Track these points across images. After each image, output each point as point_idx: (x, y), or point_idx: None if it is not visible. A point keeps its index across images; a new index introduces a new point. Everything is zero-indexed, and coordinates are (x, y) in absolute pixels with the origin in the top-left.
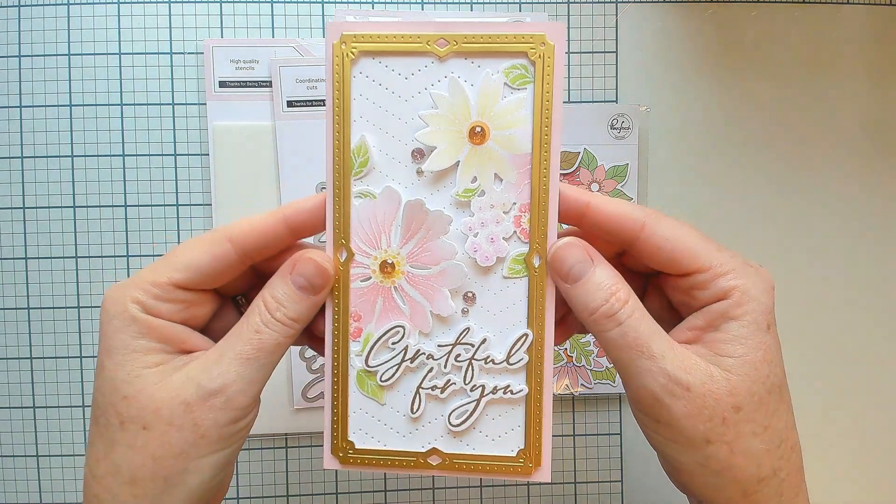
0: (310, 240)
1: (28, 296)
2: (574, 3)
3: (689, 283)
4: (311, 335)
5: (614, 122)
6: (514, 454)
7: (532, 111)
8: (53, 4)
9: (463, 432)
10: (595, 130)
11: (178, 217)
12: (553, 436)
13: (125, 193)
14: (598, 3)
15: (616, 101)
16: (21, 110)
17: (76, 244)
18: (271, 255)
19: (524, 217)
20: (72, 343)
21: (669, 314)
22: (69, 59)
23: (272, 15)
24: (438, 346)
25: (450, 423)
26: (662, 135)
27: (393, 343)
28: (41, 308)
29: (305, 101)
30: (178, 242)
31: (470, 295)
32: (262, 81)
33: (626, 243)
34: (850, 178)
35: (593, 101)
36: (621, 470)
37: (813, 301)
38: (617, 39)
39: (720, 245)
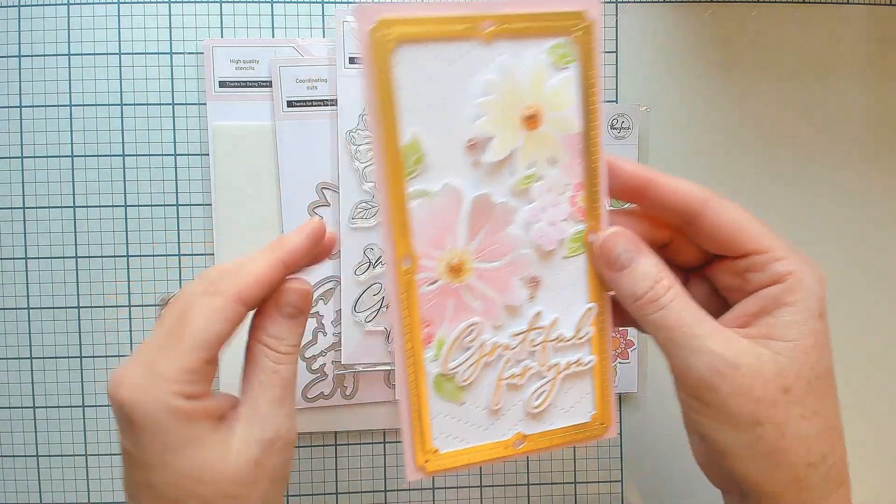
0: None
1: (28, 296)
2: None
3: (745, 264)
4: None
5: (614, 122)
6: (587, 419)
7: (578, 89)
8: (53, 4)
9: (542, 412)
10: None
11: (178, 217)
12: None
13: (125, 193)
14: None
15: (616, 101)
16: (21, 110)
17: (76, 244)
18: None
19: (578, 196)
20: (72, 343)
21: (713, 306)
22: (69, 59)
23: (272, 15)
24: (513, 335)
25: (530, 406)
26: (662, 135)
27: (468, 342)
28: (41, 308)
29: (305, 101)
30: (178, 242)
31: (535, 280)
32: (262, 81)
33: (687, 220)
34: (851, 178)
35: None
36: (621, 470)
37: None
38: (617, 39)
39: (776, 232)
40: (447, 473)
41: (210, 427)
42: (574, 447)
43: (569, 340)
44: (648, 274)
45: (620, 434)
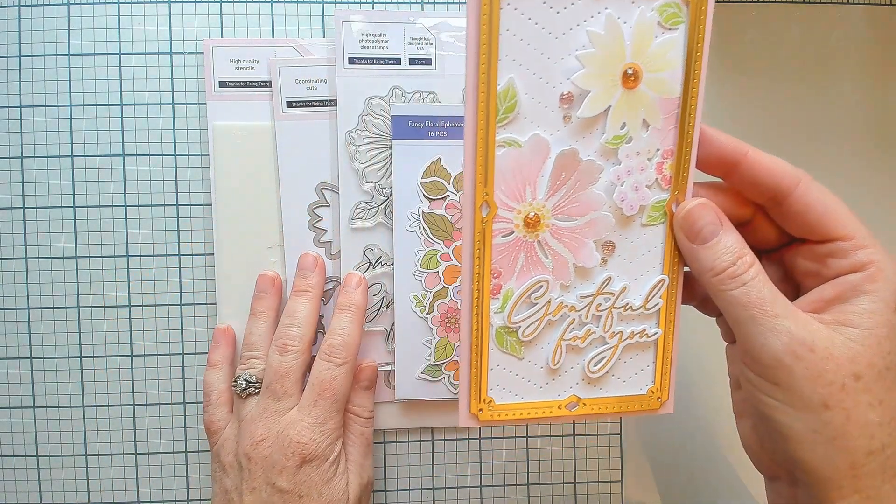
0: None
1: (28, 296)
2: None
3: (828, 249)
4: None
5: None
6: (643, 392)
7: (683, 53)
8: (53, 4)
9: (599, 379)
10: None
11: (178, 217)
12: (553, 436)
13: (125, 193)
14: None
15: None
16: (21, 110)
17: (76, 244)
18: None
19: (666, 163)
20: (72, 343)
21: (785, 290)
22: (69, 59)
23: (272, 15)
24: (580, 297)
25: (588, 370)
26: None
27: (535, 298)
28: (41, 308)
29: (305, 101)
30: (178, 242)
31: (609, 244)
32: (262, 81)
33: (776, 199)
34: (851, 178)
35: None
36: (621, 470)
37: None
38: None
39: (862, 221)
40: (499, 424)
41: (338, 471)
42: (621, 417)
43: (636, 310)
44: (732, 248)
45: (620, 434)
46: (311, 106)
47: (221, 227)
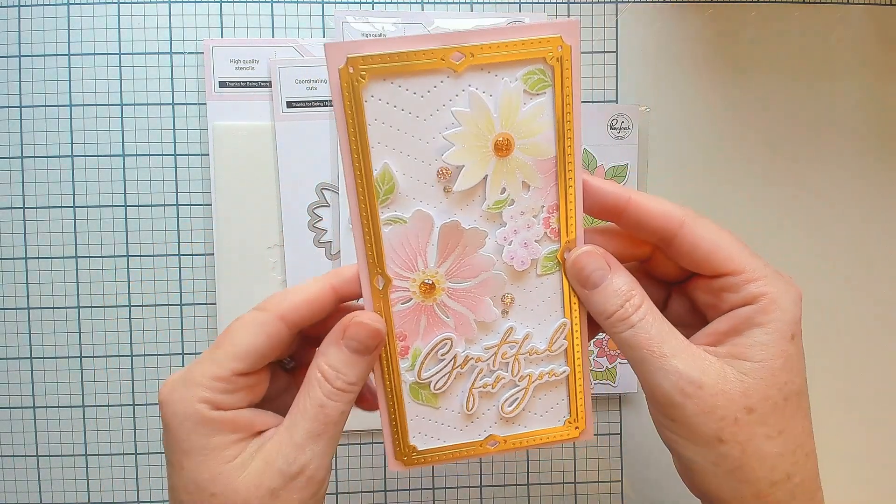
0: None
1: (28, 296)
2: (574, 3)
3: (720, 284)
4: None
5: (614, 122)
6: (561, 424)
7: (553, 114)
8: (53, 4)
9: (515, 417)
10: (595, 130)
11: (178, 217)
12: None
13: (125, 193)
14: (598, 2)
15: (616, 101)
16: (21, 110)
17: (76, 244)
18: (319, 321)
19: (553, 217)
20: (72, 343)
21: (693, 319)
22: (69, 59)
23: (272, 15)
24: (485, 348)
25: (502, 411)
26: (662, 135)
27: (442, 354)
28: (41, 308)
29: (305, 101)
30: (178, 242)
31: (508, 298)
32: (262, 81)
33: (663, 240)
34: (851, 178)
35: (593, 101)
36: (621, 470)
37: (813, 300)
38: (617, 39)
39: (754, 252)
40: (425, 466)
41: (232, 440)
42: (560, 446)
43: (542, 353)
44: (619, 292)
45: (620, 434)
46: (311, 106)
47: (221, 227)
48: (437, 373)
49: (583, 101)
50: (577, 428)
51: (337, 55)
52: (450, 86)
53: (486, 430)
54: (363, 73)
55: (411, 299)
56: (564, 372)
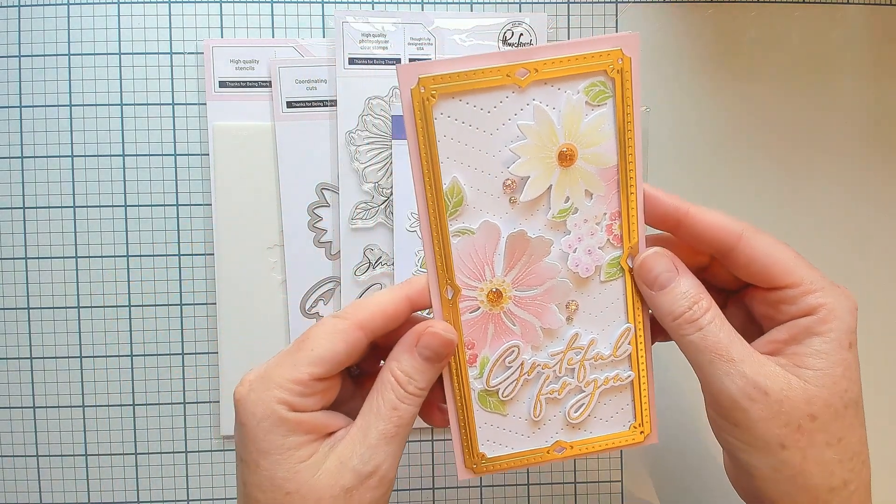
0: None
1: (28, 296)
2: (574, 3)
3: (778, 297)
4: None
5: None
6: (626, 428)
7: (614, 124)
8: (53, 4)
9: (582, 423)
10: None
11: (178, 217)
12: None
13: (125, 193)
14: (598, 3)
15: None
16: (21, 110)
17: (76, 244)
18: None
19: (615, 224)
20: (72, 343)
21: (750, 329)
22: (69, 59)
23: (272, 15)
24: (551, 355)
25: (569, 417)
26: (662, 135)
27: (509, 362)
28: (41, 308)
29: (305, 101)
30: (178, 242)
31: (573, 304)
32: (262, 81)
33: (721, 252)
34: (851, 178)
35: None
36: (621, 470)
37: None
38: None
39: (810, 263)
40: (494, 473)
41: (306, 440)
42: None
43: (606, 358)
44: (688, 294)
45: None
46: (311, 106)
47: (221, 227)
48: (505, 380)
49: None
50: (642, 433)
51: (409, 76)
52: (515, 101)
53: (553, 437)
54: (434, 91)
55: (479, 308)
56: (629, 377)
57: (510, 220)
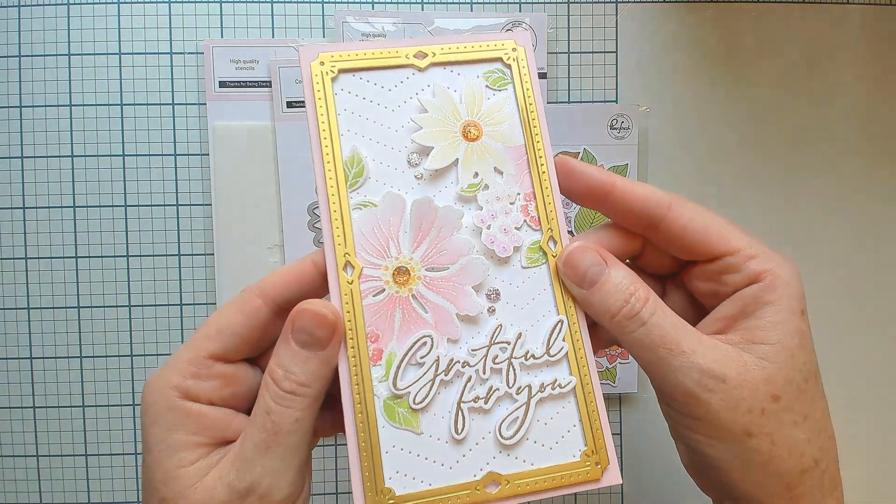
0: None
1: (28, 296)
2: (574, 3)
3: (719, 267)
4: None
5: (614, 122)
6: (577, 458)
7: (517, 107)
8: (53, 4)
9: (516, 444)
10: (595, 130)
11: (178, 217)
12: None
13: (125, 193)
14: (598, 3)
15: (616, 101)
16: (21, 110)
17: (76, 244)
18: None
19: (531, 205)
20: (72, 343)
21: (692, 313)
22: (69, 59)
23: (272, 15)
24: (471, 350)
25: (500, 435)
26: (662, 135)
27: (421, 357)
28: (41, 308)
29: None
30: (178, 242)
31: (493, 292)
32: (262, 81)
33: (651, 225)
34: (850, 178)
35: (593, 101)
36: (621, 470)
37: (811, 300)
38: (617, 39)
39: (745, 230)
40: None
41: (194, 442)
42: (555, 495)
43: (539, 358)
44: (622, 286)
45: (620, 434)
46: None
47: (221, 227)
48: (417, 381)
49: (582, 101)
50: (598, 464)
51: (309, 53)
52: (416, 81)
53: (484, 467)
54: (333, 66)
55: (383, 290)
56: (570, 383)
57: (417, 194)
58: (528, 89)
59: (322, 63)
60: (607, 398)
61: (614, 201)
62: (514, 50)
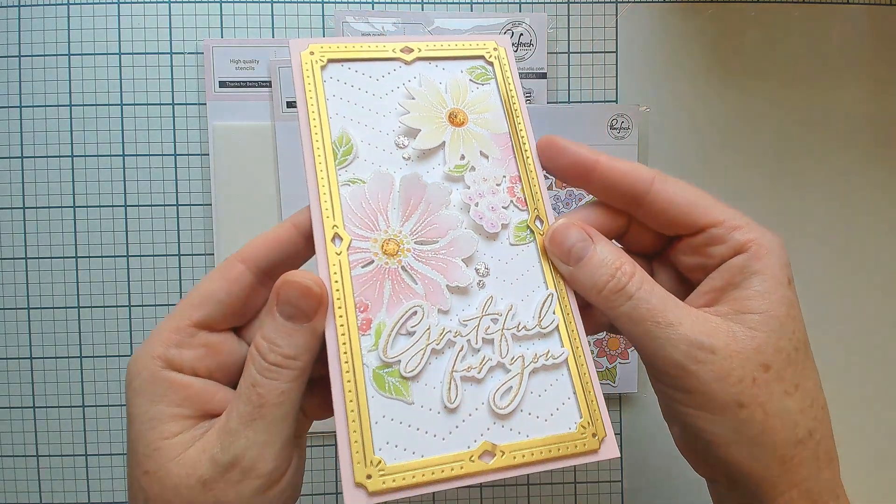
0: None
1: (28, 296)
2: (574, 3)
3: (704, 239)
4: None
5: (614, 122)
6: (573, 430)
7: (500, 99)
8: (53, 4)
9: (510, 415)
10: (595, 130)
11: (178, 217)
12: None
13: (125, 193)
14: (598, 3)
15: (616, 101)
16: (21, 110)
17: (76, 244)
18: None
19: (517, 187)
20: (72, 343)
21: (681, 290)
22: (69, 59)
23: (272, 15)
24: (462, 321)
25: (494, 404)
26: (662, 135)
27: (412, 326)
28: (41, 308)
29: None
30: (178, 242)
31: (482, 268)
32: (262, 81)
33: (635, 201)
34: (851, 177)
35: (593, 101)
36: (621, 470)
37: (813, 299)
38: (617, 39)
39: (727, 204)
40: (396, 494)
41: (178, 413)
42: (552, 467)
43: (531, 330)
44: (607, 261)
45: (620, 434)
46: None
47: (221, 227)
48: (408, 350)
49: (582, 101)
50: (594, 435)
51: (300, 45)
52: (402, 72)
53: (479, 438)
54: (323, 56)
55: (372, 261)
56: (563, 354)
57: (406, 172)
58: (509, 84)
59: (312, 53)
60: (607, 398)
61: (598, 178)
62: (495, 49)
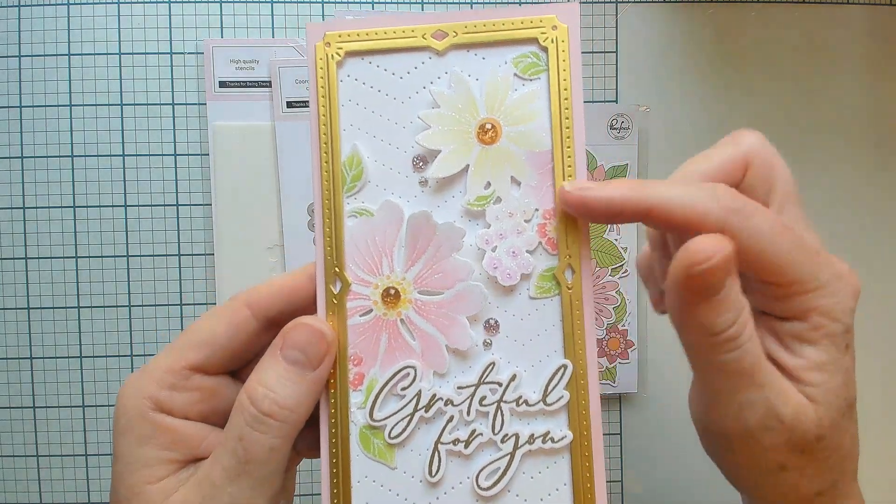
0: None
1: (28, 296)
2: (574, 1)
3: (765, 290)
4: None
5: (614, 122)
6: None
7: (549, 102)
8: (53, 4)
9: (495, 497)
10: (595, 130)
11: (178, 217)
12: None
13: (125, 193)
14: (598, 3)
15: (616, 101)
16: (21, 110)
17: (76, 244)
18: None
19: (549, 224)
20: (72, 343)
21: None
22: (69, 59)
23: (272, 15)
24: (458, 388)
25: (477, 485)
26: (662, 135)
27: (402, 389)
28: (41, 308)
29: (305, 101)
30: (178, 242)
31: (492, 323)
32: (262, 81)
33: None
34: (851, 177)
35: (593, 101)
36: (621, 470)
37: None
38: (617, 39)
39: (816, 250)
40: None
41: (165, 458)
42: None
43: (533, 405)
44: (737, 305)
45: (620, 434)
46: None
47: (221, 227)
48: (395, 414)
49: (583, 101)
50: None
51: (316, 32)
52: (432, 66)
53: None
54: (340, 48)
55: (371, 311)
56: (565, 438)
57: (418, 204)
58: (565, 81)
59: (328, 44)
60: (607, 398)
61: (653, 223)
62: (554, 28)
